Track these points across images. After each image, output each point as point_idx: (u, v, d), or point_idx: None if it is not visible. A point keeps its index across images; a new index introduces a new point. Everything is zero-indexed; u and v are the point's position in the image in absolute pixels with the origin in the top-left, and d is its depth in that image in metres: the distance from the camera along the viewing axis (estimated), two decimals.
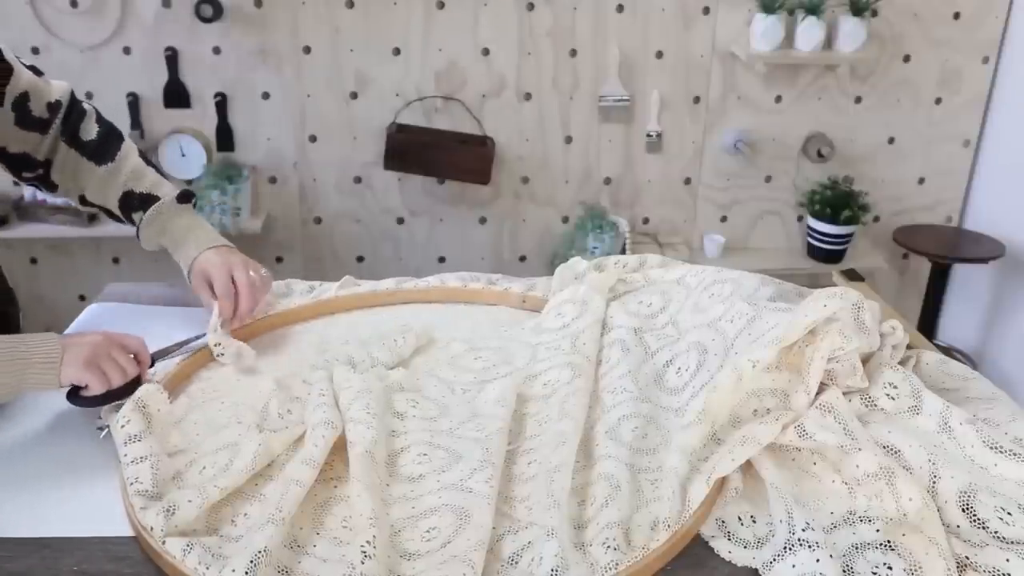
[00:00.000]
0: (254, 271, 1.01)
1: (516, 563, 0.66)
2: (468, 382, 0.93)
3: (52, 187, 1.04)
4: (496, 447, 0.77)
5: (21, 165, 1.00)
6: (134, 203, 1.02)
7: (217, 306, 0.98)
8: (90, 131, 1.02)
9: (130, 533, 0.71)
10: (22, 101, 0.95)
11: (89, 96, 2.15)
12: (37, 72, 0.99)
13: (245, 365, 0.96)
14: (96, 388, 0.84)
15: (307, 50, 2.09)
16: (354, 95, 2.14)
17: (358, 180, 2.22)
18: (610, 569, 0.64)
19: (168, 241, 1.03)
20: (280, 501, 0.68)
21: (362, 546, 0.64)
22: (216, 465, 0.77)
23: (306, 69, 2.09)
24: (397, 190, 2.27)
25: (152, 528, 0.67)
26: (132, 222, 1.04)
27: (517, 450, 0.80)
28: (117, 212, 1.03)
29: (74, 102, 1.03)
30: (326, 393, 0.84)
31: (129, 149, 1.04)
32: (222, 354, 0.96)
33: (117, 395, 0.84)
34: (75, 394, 0.85)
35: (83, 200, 1.04)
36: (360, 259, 2.33)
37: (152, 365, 0.90)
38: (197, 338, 0.98)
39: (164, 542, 0.66)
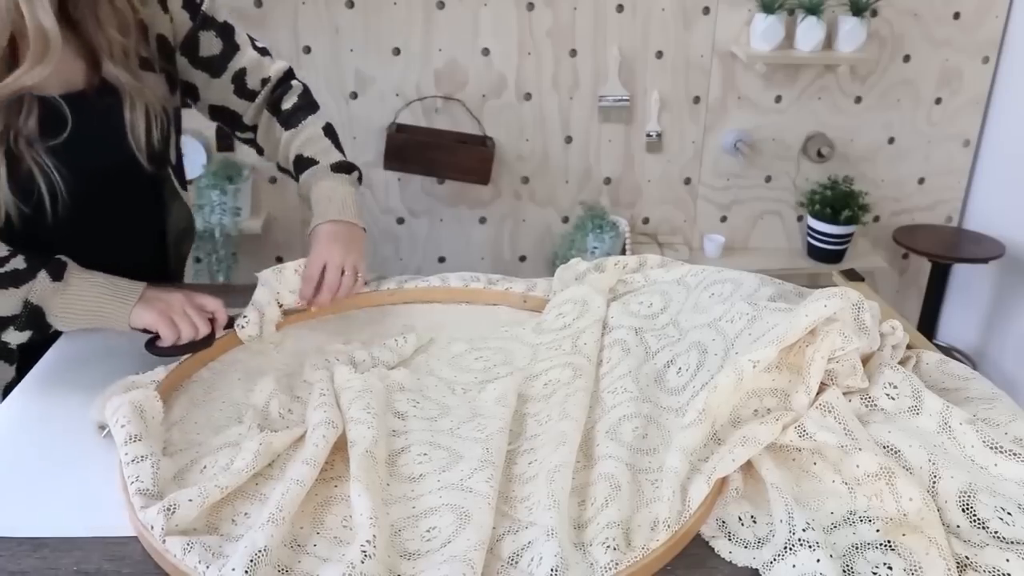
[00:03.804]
0: (349, 269, 1.05)
1: (516, 563, 0.66)
2: (469, 382, 0.93)
3: (260, 151, 1.22)
4: (496, 447, 0.77)
5: (236, 125, 1.19)
6: (302, 165, 1.14)
7: (300, 285, 1.04)
8: (289, 102, 1.17)
9: (129, 533, 0.70)
10: (240, 75, 1.14)
11: None
12: (265, 53, 1.17)
13: (256, 345, 0.99)
14: (166, 338, 0.92)
15: (307, 50, 2.09)
16: (354, 95, 2.14)
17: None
18: (610, 569, 0.64)
19: (311, 204, 1.12)
20: (280, 500, 0.68)
21: (362, 545, 0.64)
22: (217, 464, 0.77)
23: (306, 69, 2.09)
24: (397, 190, 2.27)
25: (152, 527, 0.67)
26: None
27: (517, 450, 0.80)
28: (294, 174, 1.16)
29: (285, 79, 1.18)
30: (327, 393, 0.84)
31: (314, 121, 1.16)
32: (242, 326, 0.99)
33: (189, 349, 0.93)
34: (152, 344, 0.93)
35: (278, 164, 1.19)
36: None
37: (229, 327, 0.97)
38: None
39: (164, 541, 0.66)
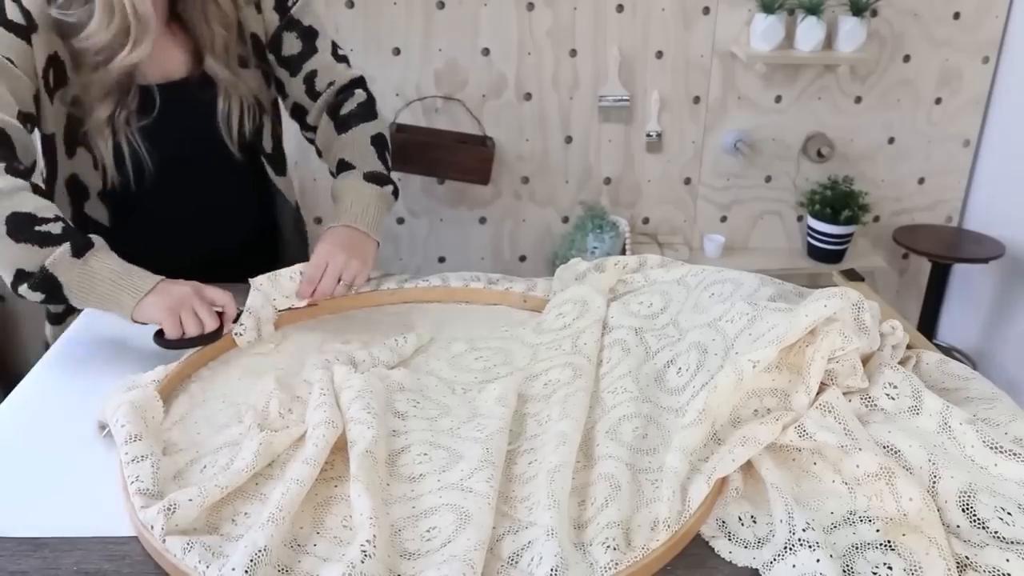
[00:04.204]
0: (346, 277, 1.07)
1: (516, 563, 0.66)
2: (469, 382, 0.93)
3: (319, 152, 1.27)
4: (497, 447, 0.77)
5: (304, 124, 1.26)
6: (341, 168, 1.19)
7: (301, 281, 1.06)
8: (347, 108, 1.22)
9: (129, 533, 0.70)
10: (311, 76, 1.21)
11: None
12: (343, 60, 1.24)
13: (255, 347, 1.00)
14: (170, 332, 0.94)
15: None
16: None
17: None
18: (609, 569, 0.64)
19: (335, 206, 1.16)
20: (280, 500, 0.68)
21: (362, 545, 0.64)
22: (217, 464, 0.77)
23: None
24: None
25: (152, 527, 0.67)
26: None
27: (518, 450, 0.80)
28: (334, 177, 1.20)
29: (351, 86, 1.24)
30: (327, 392, 0.84)
31: (365, 129, 1.21)
32: (240, 333, 0.99)
33: (195, 342, 0.94)
34: (160, 336, 0.95)
35: (329, 168, 1.23)
36: None
37: (237, 320, 0.99)
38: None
39: (164, 541, 0.66)
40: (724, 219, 2.40)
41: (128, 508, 0.71)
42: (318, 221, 2.26)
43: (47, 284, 0.93)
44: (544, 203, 2.33)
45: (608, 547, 0.66)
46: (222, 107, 1.15)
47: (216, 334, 0.96)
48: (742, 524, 0.71)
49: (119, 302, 0.94)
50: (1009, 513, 0.68)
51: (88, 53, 1.03)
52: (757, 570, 0.67)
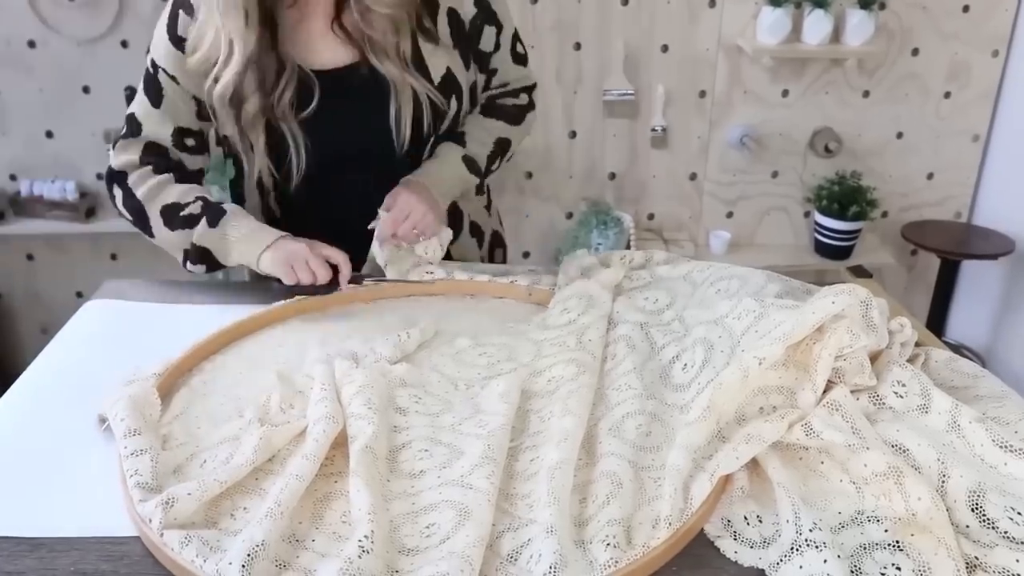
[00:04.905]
0: (422, 227, 1.10)
1: (515, 560, 0.66)
2: (472, 378, 0.92)
3: None
4: (498, 443, 0.77)
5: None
6: (454, 137, 1.19)
7: (379, 221, 1.10)
8: (500, 101, 1.23)
9: (127, 532, 0.70)
10: (491, 74, 1.20)
11: (86, 91, 2.15)
12: (519, 59, 1.22)
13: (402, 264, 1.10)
14: (286, 282, 1.05)
15: None
16: None
17: None
18: (609, 566, 0.64)
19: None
20: (279, 495, 0.68)
21: (360, 541, 0.64)
22: (216, 459, 0.76)
23: None
24: None
25: (151, 520, 0.67)
26: None
27: (519, 447, 0.80)
28: None
29: (519, 91, 1.24)
30: (328, 387, 0.83)
31: (499, 127, 1.21)
32: (385, 264, 1.10)
33: (312, 291, 1.05)
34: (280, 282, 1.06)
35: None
36: None
37: (360, 282, 1.08)
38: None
39: (162, 534, 0.66)
40: (730, 215, 2.38)
41: (127, 502, 0.71)
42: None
43: (201, 256, 1.08)
44: (548, 199, 2.32)
45: (608, 544, 0.65)
46: (393, 103, 1.10)
47: (331, 286, 1.06)
48: (748, 524, 0.71)
49: (248, 258, 1.06)
50: (1019, 513, 0.67)
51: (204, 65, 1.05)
52: (763, 570, 0.66)
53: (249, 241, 1.06)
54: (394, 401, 0.85)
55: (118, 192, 1.11)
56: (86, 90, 2.13)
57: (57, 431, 0.84)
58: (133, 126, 1.11)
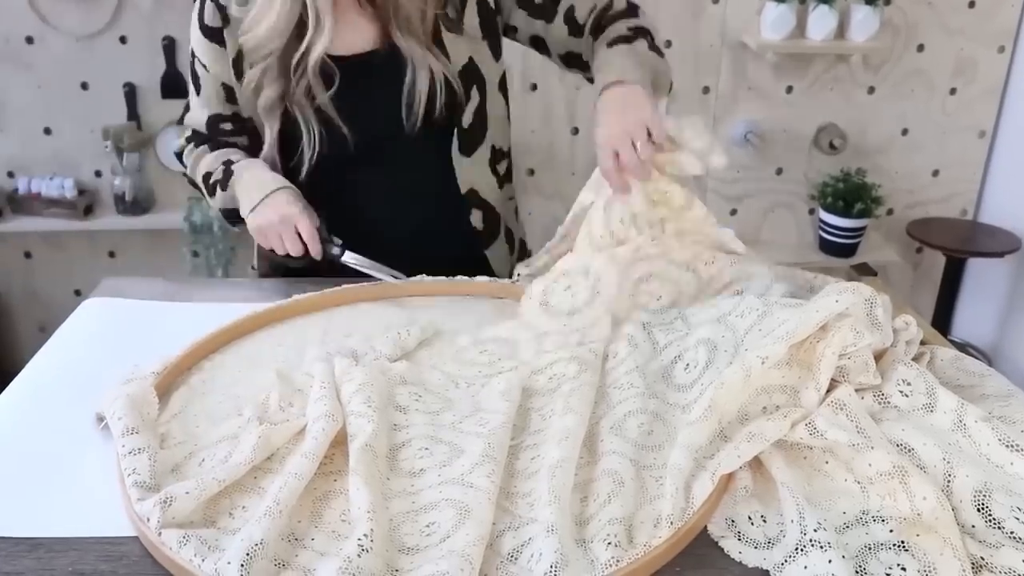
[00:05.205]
0: (638, 139, 0.99)
1: (516, 559, 0.65)
2: (473, 376, 0.92)
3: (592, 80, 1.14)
4: (499, 442, 0.76)
5: (586, 70, 1.17)
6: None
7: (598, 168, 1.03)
8: (613, 34, 1.14)
9: (125, 532, 0.70)
10: (570, 13, 1.15)
11: (84, 87, 2.14)
12: None
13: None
14: (264, 246, 1.10)
15: None
16: None
17: None
18: (610, 566, 0.63)
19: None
20: (278, 494, 0.68)
21: (359, 539, 0.63)
22: (215, 457, 0.76)
23: None
24: None
25: (148, 519, 0.67)
26: None
27: (520, 445, 0.79)
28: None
29: (611, 6, 1.18)
30: (327, 385, 0.83)
31: (628, 46, 1.12)
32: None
33: (288, 259, 1.09)
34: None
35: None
36: None
37: (340, 256, 1.09)
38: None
39: (160, 533, 0.66)
40: (734, 212, 2.37)
41: (125, 501, 0.71)
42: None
43: (232, 215, 1.14)
44: (550, 196, 2.31)
45: (609, 543, 0.65)
46: (409, 82, 1.09)
47: (304, 258, 1.08)
48: (752, 524, 0.70)
49: (244, 209, 1.10)
50: None
51: (260, 50, 1.07)
52: (768, 571, 0.66)
53: (242, 200, 1.10)
54: (394, 399, 0.85)
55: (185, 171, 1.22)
56: (84, 86, 2.13)
57: (55, 430, 0.83)
58: (185, 110, 1.21)
